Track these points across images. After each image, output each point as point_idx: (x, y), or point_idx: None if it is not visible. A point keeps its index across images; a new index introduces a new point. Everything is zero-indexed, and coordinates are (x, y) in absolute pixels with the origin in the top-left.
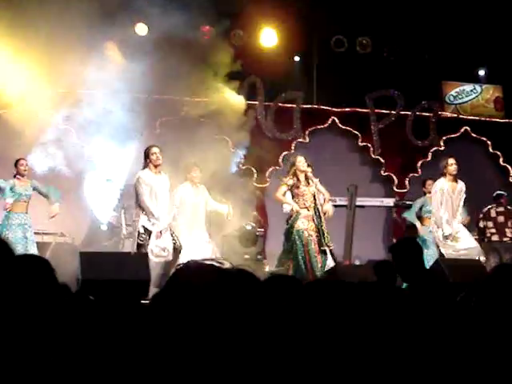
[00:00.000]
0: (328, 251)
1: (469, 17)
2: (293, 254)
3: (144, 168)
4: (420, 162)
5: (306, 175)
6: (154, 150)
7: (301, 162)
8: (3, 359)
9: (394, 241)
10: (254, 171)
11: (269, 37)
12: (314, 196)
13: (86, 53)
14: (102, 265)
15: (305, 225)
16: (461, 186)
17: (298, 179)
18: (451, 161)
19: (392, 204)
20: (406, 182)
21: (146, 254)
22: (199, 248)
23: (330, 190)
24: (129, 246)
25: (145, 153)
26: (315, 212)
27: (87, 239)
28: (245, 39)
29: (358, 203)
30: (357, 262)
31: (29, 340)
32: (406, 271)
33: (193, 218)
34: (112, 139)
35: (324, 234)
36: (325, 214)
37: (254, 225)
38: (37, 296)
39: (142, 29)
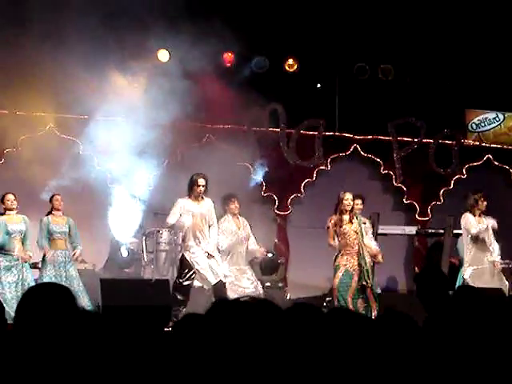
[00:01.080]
0: None
1: (491, 45)
2: None
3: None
4: (442, 190)
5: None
6: (201, 181)
7: (348, 199)
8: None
9: (416, 269)
10: (276, 198)
11: (291, 63)
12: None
13: (107, 78)
14: (123, 291)
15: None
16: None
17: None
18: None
19: (414, 232)
20: (428, 210)
21: (167, 280)
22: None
23: None
24: (149, 273)
25: (191, 181)
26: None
27: (108, 266)
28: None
29: (380, 231)
30: (378, 291)
31: (50, 366)
32: (429, 301)
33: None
34: (135, 165)
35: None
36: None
37: (275, 253)
38: (58, 324)
39: (163, 55)
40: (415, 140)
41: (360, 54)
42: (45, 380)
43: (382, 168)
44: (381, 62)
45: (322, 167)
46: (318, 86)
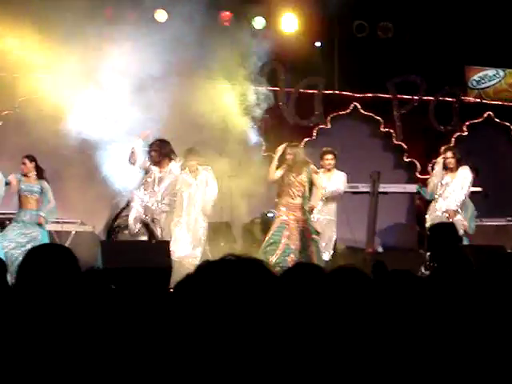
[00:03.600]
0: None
1: (491, 1)
2: None
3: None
4: (443, 148)
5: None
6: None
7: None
8: (28, 345)
9: (417, 227)
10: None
11: (289, 22)
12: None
13: (106, 37)
14: (123, 253)
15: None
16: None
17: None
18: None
19: (415, 190)
20: (429, 168)
21: (168, 242)
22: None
23: (353, 176)
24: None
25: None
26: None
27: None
28: (265, 25)
29: (380, 190)
30: (380, 249)
31: (50, 327)
32: (439, 253)
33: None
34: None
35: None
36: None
37: (275, 212)
38: (60, 284)
39: (161, 15)
40: (415, 97)
41: (359, 11)
42: (44, 341)
43: (382, 126)
44: (380, 19)
45: (322, 126)
46: (318, 44)
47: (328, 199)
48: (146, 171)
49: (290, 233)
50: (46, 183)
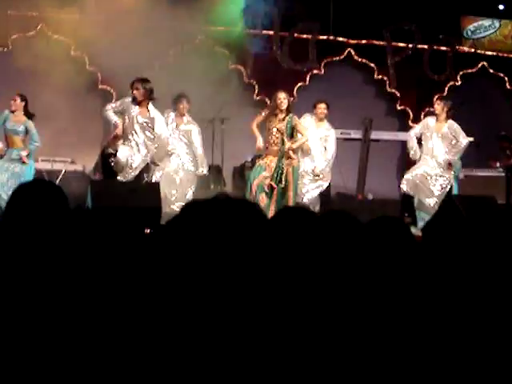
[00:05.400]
0: None
1: None
2: None
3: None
4: (436, 97)
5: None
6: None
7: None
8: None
9: None
10: (269, 102)
11: None
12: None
13: None
14: (113, 193)
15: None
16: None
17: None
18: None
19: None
20: (422, 117)
21: (158, 183)
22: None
23: (345, 123)
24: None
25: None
26: None
27: (98, 169)
28: None
29: (372, 137)
30: (370, 197)
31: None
32: None
33: None
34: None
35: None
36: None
37: None
38: (49, 222)
39: None
40: (409, 45)
41: None
42: (31, 283)
43: (375, 73)
44: None
45: (315, 71)
46: None
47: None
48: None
49: (269, 173)
50: (31, 124)
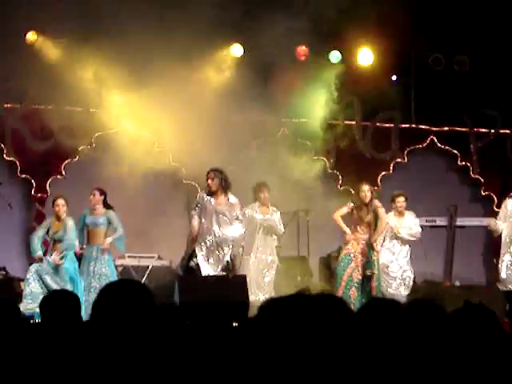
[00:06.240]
0: None
1: None
2: None
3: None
4: None
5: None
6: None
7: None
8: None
9: (495, 261)
10: (353, 192)
11: (366, 56)
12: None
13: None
14: (200, 288)
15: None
16: None
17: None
18: None
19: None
20: None
21: (245, 276)
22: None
23: (430, 210)
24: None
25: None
26: None
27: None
28: (342, 59)
29: (458, 223)
30: (457, 283)
31: (125, 365)
32: None
33: None
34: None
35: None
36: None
37: None
38: (136, 321)
39: (237, 50)
40: (492, 131)
41: (435, 44)
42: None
43: (459, 160)
44: (456, 53)
45: (398, 160)
46: (394, 77)
47: (404, 241)
48: None
49: (356, 264)
50: (112, 212)
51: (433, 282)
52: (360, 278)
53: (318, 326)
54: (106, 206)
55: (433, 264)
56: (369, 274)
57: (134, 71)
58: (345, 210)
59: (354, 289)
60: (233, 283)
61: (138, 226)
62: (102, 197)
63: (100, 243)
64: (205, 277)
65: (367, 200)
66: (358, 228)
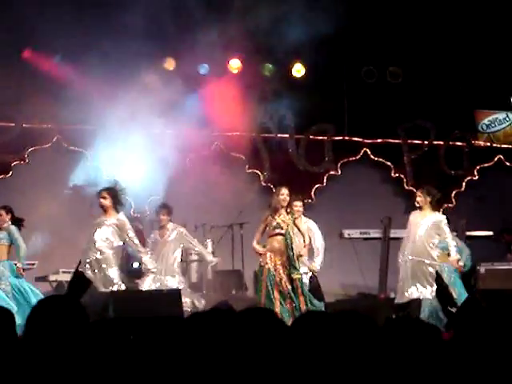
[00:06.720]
0: None
1: (500, 46)
2: None
3: None
4: (454, 192)
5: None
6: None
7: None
8: None
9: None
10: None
11: (298, 68)
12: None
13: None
14: (134, 303)
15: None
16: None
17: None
18: None
19: None
20: (440, 213)
21: (179, 290)
22: None
23: (364, 222)
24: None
25: None
26: None
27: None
28: (274, 71)
29: (392, 235)
30: (392, 295)
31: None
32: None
33: None
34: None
35: None
36: None
37: None
38: (69, 336)
39: (169, 63)
40: (425, 142)
41: (367, 57)
42: None
43: (392, 171)
44: (389, 64)
45: (332, 172)
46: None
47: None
48: None
49: (279, 278)
50: (12, 226)
51: (368, 295)
52: (290, 287)
53: (242, 339)
54: (14, 221)
55: (368, 276)
56: (296, 277)
57: None
58: (261, 229)
59: (288, 300)
60: (168, 298)
61: (60, 239)
62: (9, 215)
63: (2, 259)
64: (139, 291)
65: (285, 204)
66: (276, 237)
